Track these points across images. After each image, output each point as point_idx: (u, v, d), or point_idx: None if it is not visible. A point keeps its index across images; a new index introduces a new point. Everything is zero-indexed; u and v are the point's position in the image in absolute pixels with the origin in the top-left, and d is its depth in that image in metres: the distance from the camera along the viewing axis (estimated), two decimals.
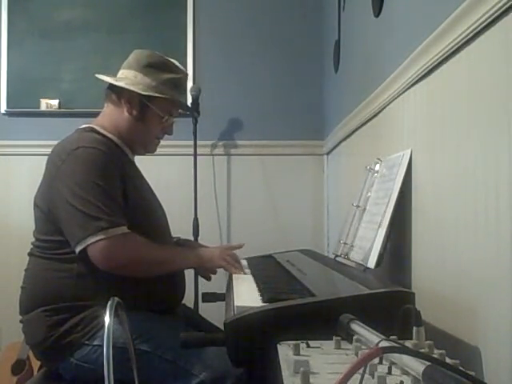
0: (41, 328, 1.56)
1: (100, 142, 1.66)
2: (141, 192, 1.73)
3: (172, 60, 1.81)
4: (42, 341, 1.56)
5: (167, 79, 1.75)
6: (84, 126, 1.75)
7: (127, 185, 1.64)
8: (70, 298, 1.56)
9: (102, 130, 1.72)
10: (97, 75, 1.80)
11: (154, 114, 1.75)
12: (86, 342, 1.52)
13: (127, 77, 1.75)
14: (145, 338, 1.49)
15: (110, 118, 1.76)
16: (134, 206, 1.64)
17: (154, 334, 1.51)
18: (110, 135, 1.73)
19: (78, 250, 1.54)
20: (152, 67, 1.74)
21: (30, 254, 1.69)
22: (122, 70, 1.79)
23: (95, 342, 1.51)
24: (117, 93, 1.75)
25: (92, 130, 1.72)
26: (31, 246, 1.70)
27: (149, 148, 1.83)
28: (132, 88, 1.71)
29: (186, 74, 1.85)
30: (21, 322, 1.65)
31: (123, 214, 1.59)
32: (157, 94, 1.72)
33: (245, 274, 1.69)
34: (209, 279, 1.87)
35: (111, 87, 1.76)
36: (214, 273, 1.86)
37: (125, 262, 1.57)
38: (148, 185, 1.85)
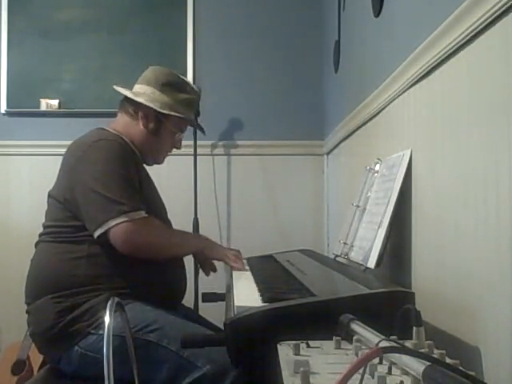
0: (48, 315, 1.58)
1: (118, 137, 1.76)
2: (150, 189, 1.81)
3: (187, 80, 1.94)
4: (49, 328, 1.57)
5: (183, 99, 1.85)
6: (98, 127, 1.82)
7: (140, 178, 1.72)
8: (77, 283, 1.59)
9: (116, 133, 1.80)
10: (115, 87, 1.87)
11: (168, 130, 1.86)
12: (92, 331, 1.54)
13: (145, 92, 1.83)
14: (151, 328, 1.51)
15: (124, 127, 1.83)
16: (146, 197, 1.72)
17: (160, 325, 1.53)
18: (125, 138, 1.80)
19: (97, 233, 1.60)
20: (169, 86, 1.84)
21: (37, 243, 1.73)
22: (140, 85, 1.86)
23: (101, 332, 1.53)
24: (134, 106, 1.83)
25: (107, 130, 1.80)
26: (38, 238, 1.73)
27: (158, 160, 1.94)
28: (151, 105, 1.80)
29: (199, 95, 1.96)
30: (26, 312, 1.67)
31: (141, 199, 1.67)
32: (174, 113, 1.82)
33: (245, 270, 1.76)
34: (207, 273, 1.93)
35: (128, 100, 1.84)
36: (214, 269, 1.92)
37: (144, 244, 1.65)
38: (155, 188, 1.91)
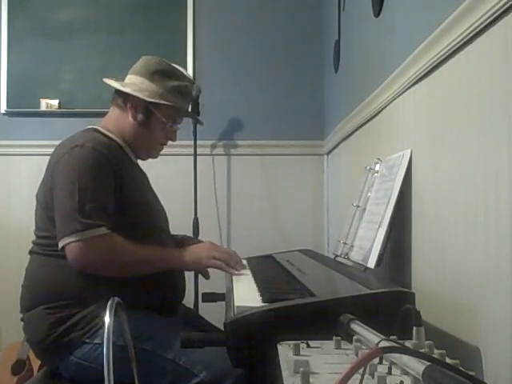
0: (42, 325, 1.56)
1: (100, 141, 1.67)
2: (141, 190, 1.74)
3: (179, 68, 1.84)
4: (43, 338, 1.56)
5: (173, 87, 1.77)
6: (89, 126, 1.78)
7: (126, 183, 1.65)
8: (71, 296, 1.57)
9: (105, 132, 1.75)
10: (104, 79, 1.83)
11: (158, 120, 1.77)
12: (87, 341, 1.53)
13: (134, 83, 1.77)
14: (145, 336, 1.49)
15: (114, 121, 1.78)
16: (133, 204, 1.65)
17: (154, 333, 1.51)
18: (113, 137, 1.75)
19: (59, 247, 1.56)
20: (159, 74, 1.77)
21: (30, 252, 1.70)
22: (130, 76, 1.81)
23: (96, 341, 1.51)
24: (123, 98, 1.77)
25: (95, 130, 1.75)
26: (32, 245, 1.70)
27: (151, 153, 1.86)
28: (138, 94, 1.74)
29: (193, 82, 1.86)
30: (22, 320, 1.65)
31: (108, 214, 1.59)
32: (162, 101, 1.74)
33: (241, 271, 1.67)
34: (207, 277, 1.84)
35: (118, 92, 1.79)
36: (207, 277, 1.83)
37: (97, 263, 1.58)
38: (150, 186, 1.87)
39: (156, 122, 1.77)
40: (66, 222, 1.55)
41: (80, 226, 1.54)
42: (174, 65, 1.83)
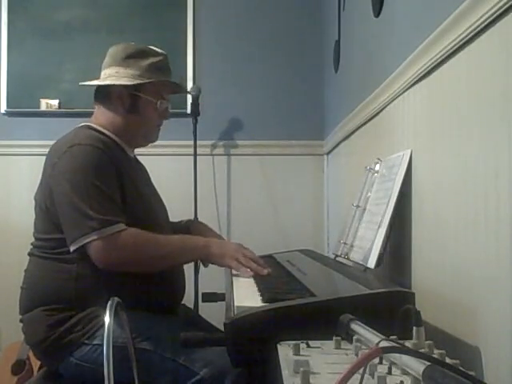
0: (41, 327, 1.56)
1: (96, 138, 1.67)
2: (138, 187, 1.72)
3: (149, 46, 1.82)
4: (42, 340, 1.56)
5: (148, 65, 1.74)
6: (81, 124, 1.77)
7: (124, 180, 1.64)
8: (70, 299, 1.57)
9: (99, 128, 1.73)
10: (81, 83, 1.81)
11: (147, 101, 1.75)
12: (86, 342, 1.52)
13: (110, 75, 1.75)
14: (144, 336, 1.49)
15: (104, 117, 1.76)
16: (131, 201, 1.64)
17: (153, 333, 1.51)
18: (107, 133, 1.73)
19: (72, 248, 1.55)
20: (131, 58, 1.75)
21: (29, 254, 1.70)
22: (104, 71, 1.79)
23: (95, 342, 1.51)
24: (105, 93, 1.75)
25: (89, 127, 1.73)
26: (31, 247, 1.70)
27: (150, 137, 1.83)
28: (118, 82, 1.72)
29: (166, 56, 1.83)
30: (21, 321, 1.65)
31: (121, 210, 1.59)
32: (143, 81, 1.72)
33: (266, 273, 1.57)
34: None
35: (99, 89, 1.77)
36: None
37: (121, 260, 1.56)
38: (149, 180, 1.86)
39: (145, 105, 1.75)
40: (80, 222, 1.53)
41: (97, 223, 1.52)
42: (142, 44, 1.82)
